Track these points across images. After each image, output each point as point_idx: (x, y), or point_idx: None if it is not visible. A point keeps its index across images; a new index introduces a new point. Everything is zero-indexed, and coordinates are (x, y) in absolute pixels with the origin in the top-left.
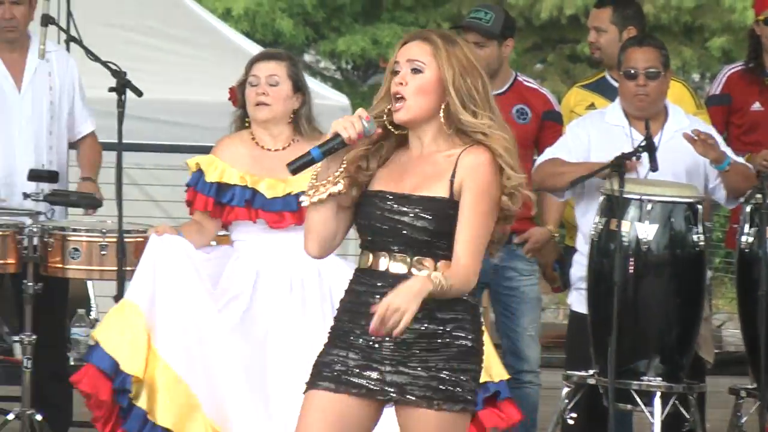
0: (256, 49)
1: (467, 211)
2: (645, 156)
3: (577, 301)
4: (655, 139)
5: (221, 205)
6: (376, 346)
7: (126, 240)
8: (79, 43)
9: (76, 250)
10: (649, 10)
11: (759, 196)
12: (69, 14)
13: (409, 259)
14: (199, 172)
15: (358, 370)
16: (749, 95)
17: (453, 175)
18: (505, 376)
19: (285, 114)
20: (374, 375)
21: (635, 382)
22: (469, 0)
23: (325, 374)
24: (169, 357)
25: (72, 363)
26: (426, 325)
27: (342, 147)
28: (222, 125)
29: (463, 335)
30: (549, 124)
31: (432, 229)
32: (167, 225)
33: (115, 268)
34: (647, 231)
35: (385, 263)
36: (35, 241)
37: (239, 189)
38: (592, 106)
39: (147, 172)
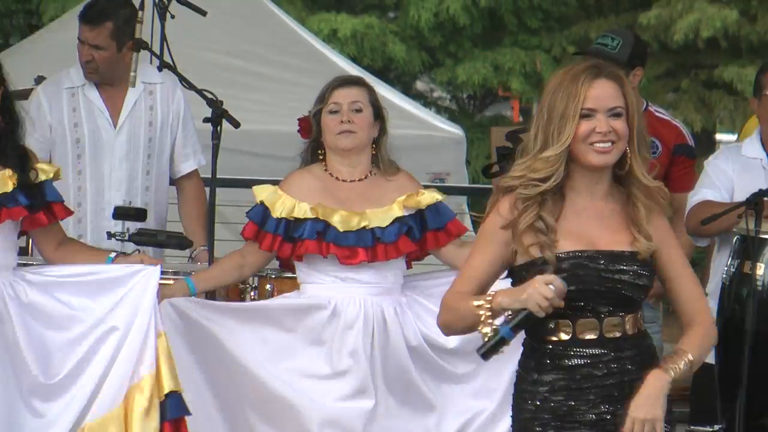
0: (365, 75)
1: (685, 267)
2: None
3: None
4: None
5: (292, 240)
6: (609, 417)
7: None
8: (173, 69)
9: None
10: None
11: None
12: (163, 38)
13: (620, 321)
14: (263, 206)
15: None
16: None
17: (642, 230)
18: None
19: (368, 142)
20: None
21: None
22: (597, 23)
23: None
24: None
25: None
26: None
27: (531, 319)
28: None
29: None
30: (680, 159)
31: (649, 286)
32: (177, 285)
33: None
34: None
35: (594, 330)
36: None
37: (310, 222)
38: None
39: (240, 209)
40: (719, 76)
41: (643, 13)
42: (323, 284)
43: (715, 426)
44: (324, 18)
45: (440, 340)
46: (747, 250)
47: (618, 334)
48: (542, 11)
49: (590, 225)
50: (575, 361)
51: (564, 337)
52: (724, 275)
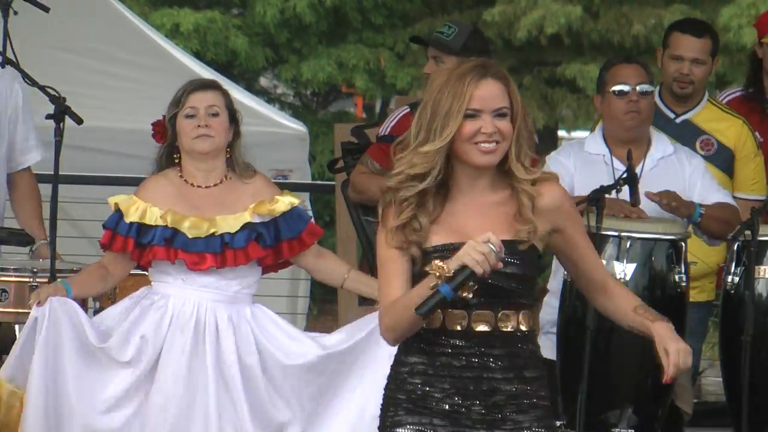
0: (208, 72)
1: (584, 240)
2: (626, 188)
3: (546, 346)
4: (637, 169)
5: (141, 245)
6: (463, 410)
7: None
8: (16, 65)
9: (4, 291)
10: (639, 32)
11: (748, 232)
12: (6, 34)
13: (494, 315)
14: (118, 213)
15: None
16: (749, 124)
17: (524, 219)
18: None
19: (224, 146)
20: None
21: None
22: (441, 20)
23: None
24: None
25: None
26: (517, 386)
27: (473, 279)
28: None
29: (544, 394)
30: None
31: (520, 275)
32: (55, 285)
33: None
34: (625, 270)
35: (463, 321)
36: None
37: (160, 228)
38: None
39: (85, 206)
40: (562, 74)
41: (487, 10)
42: (166, 283)
43: (557, 422)
44: (166, 13)
45: (278, 355)
46: None
47: (487, 329)
48: (386, 8)
49: (468, 218)
50: (438, 349)
51: (433, 325)
52: (565, 272)
